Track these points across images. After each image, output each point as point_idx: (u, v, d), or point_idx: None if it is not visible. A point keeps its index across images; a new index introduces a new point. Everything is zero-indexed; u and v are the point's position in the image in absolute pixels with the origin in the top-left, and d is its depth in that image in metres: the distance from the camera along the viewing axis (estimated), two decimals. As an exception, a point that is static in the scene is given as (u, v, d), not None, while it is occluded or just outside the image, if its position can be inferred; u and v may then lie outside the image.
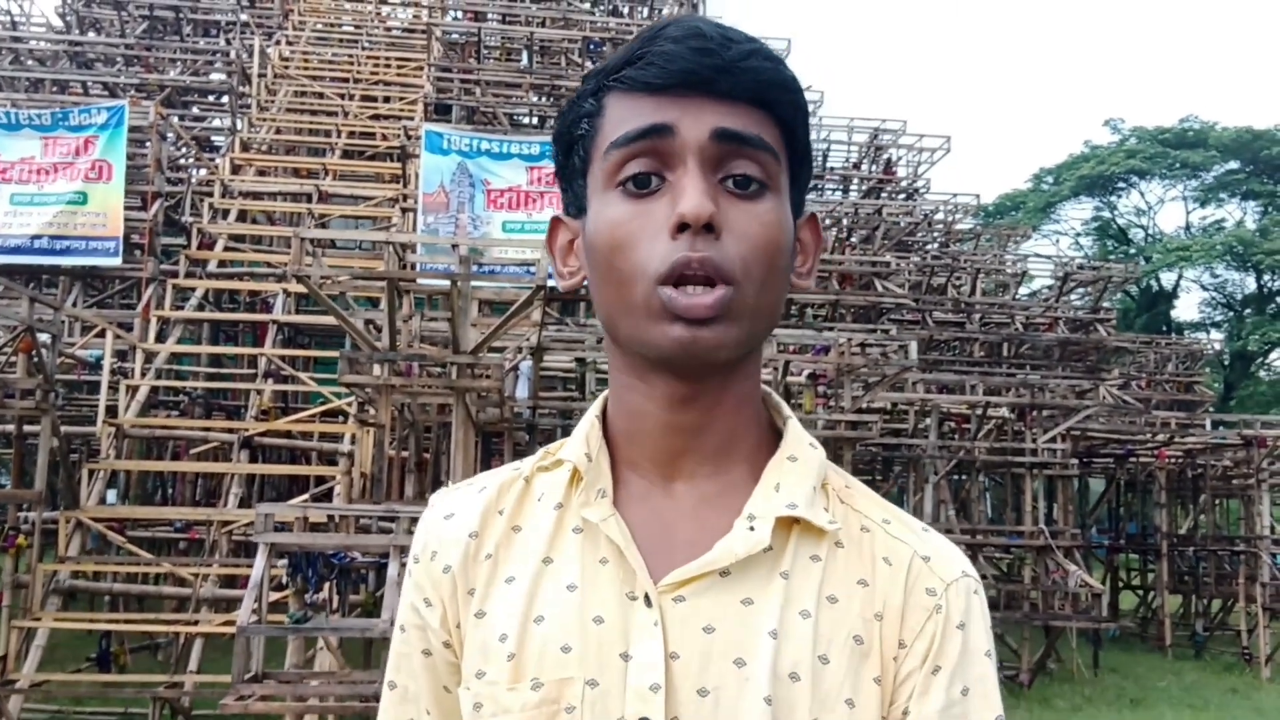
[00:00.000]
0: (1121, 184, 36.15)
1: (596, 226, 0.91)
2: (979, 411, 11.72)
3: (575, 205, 0.96)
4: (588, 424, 0.97)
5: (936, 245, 18.74)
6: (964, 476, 12.98)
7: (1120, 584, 16.22)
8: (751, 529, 0.89)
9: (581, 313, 12.71)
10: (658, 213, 0.87)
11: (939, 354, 15.78)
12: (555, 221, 0.99)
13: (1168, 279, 34.73)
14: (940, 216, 18.90)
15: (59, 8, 16.31)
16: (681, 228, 0.85)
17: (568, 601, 0.90)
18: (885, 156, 18.75)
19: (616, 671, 0.87)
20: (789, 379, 9.76)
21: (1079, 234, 38.09)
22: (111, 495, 10.19)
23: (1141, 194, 36.84)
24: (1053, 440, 12.15)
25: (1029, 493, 11.94)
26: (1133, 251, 35.90)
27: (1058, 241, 36.71)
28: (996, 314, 16.33)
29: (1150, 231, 37.33)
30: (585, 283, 0.96)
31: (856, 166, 19.13)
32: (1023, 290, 20.22)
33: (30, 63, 15.08)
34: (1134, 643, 14.66)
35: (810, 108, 15.54)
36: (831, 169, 18.77)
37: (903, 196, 18.50)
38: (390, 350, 6.80)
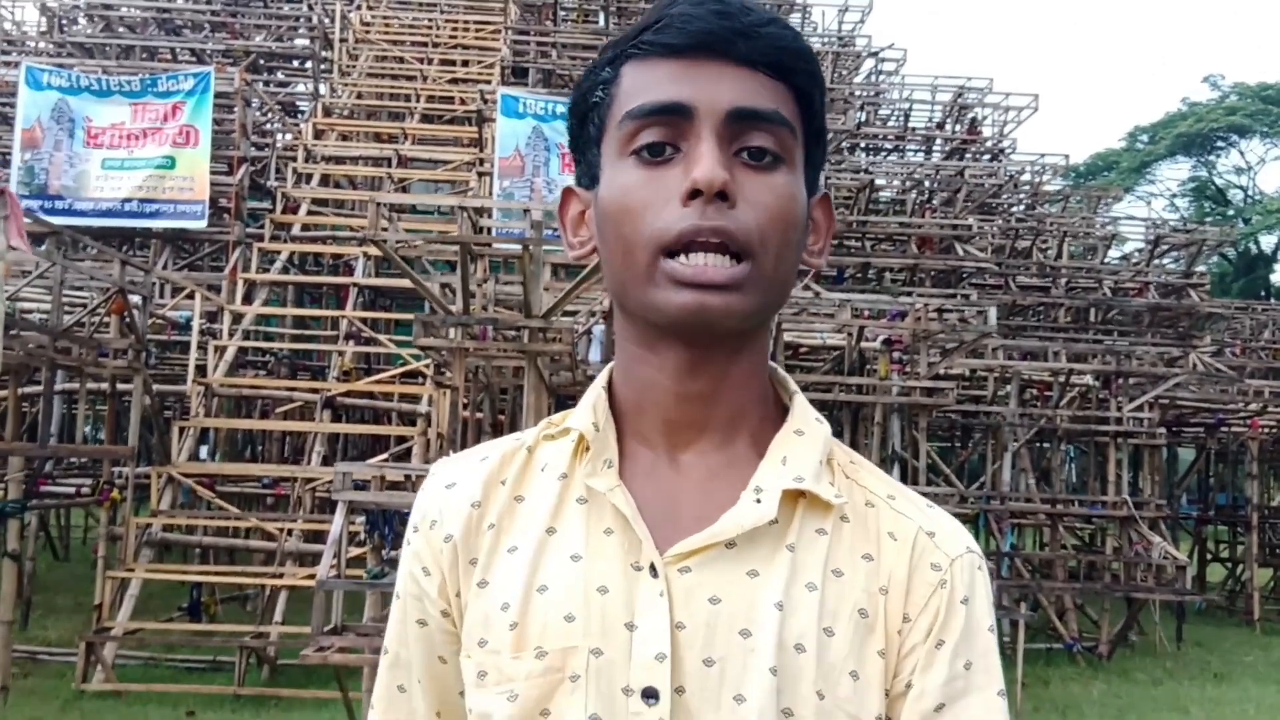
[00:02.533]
0: (1221, 143, 34.85)
1: (608, 193, 0.90)
2: (1061, 379, 11.46)
3: (588, 176, 0.95)
4: (594, 394, 0.97)
5: (1022, 207, 18.28)
6: (1046, 445, 12.73)
7: (1209, 556, 15.80)
8: (758, 501, 0.90)
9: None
10: (670, 181, 0.87)
11: (1023, 319, 15.43)
12: (567, 192, 0.99)
13: (1267, 242, 33.48)
14: (1027, 178, 18.40)
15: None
16: (693, 195, 0.85)
17: (571, 571, 0.90)
18: (970, 116, 18.29)
19: (621, 641, 0.87)
20: (863, 344, 9.66)
21: (1175, 195, 36.87)
22: (204, 451, 10.55)
23: (1242, 153, 35.47)
24: (1139, 409, 11.83)
25: (1113, 462, 11.67)
26: (1231, 213, 34.62)
27: (1150, 203, 35.53)
28: (1083, 279, 15.87)
29: (1250, 192, 35.93)
30: (594, 253, 0.95)
31: (940, 127, 18.70)
32: (1113, 254, 19.61)
33: (121, 30, 15.47)
34: (1221, 616, 14.29)
35: (893, 66, 15.13)
36: (914, 129, 18.37)
37: (988, 157, 18.03)
38: (464, 314, 6.89)
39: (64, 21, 15.50)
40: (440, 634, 0.97)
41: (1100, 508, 11.41)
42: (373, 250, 10.41)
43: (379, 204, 6.50)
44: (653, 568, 0.88)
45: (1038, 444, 12.90)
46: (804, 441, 0.94)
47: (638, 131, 0.88)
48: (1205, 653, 11.40)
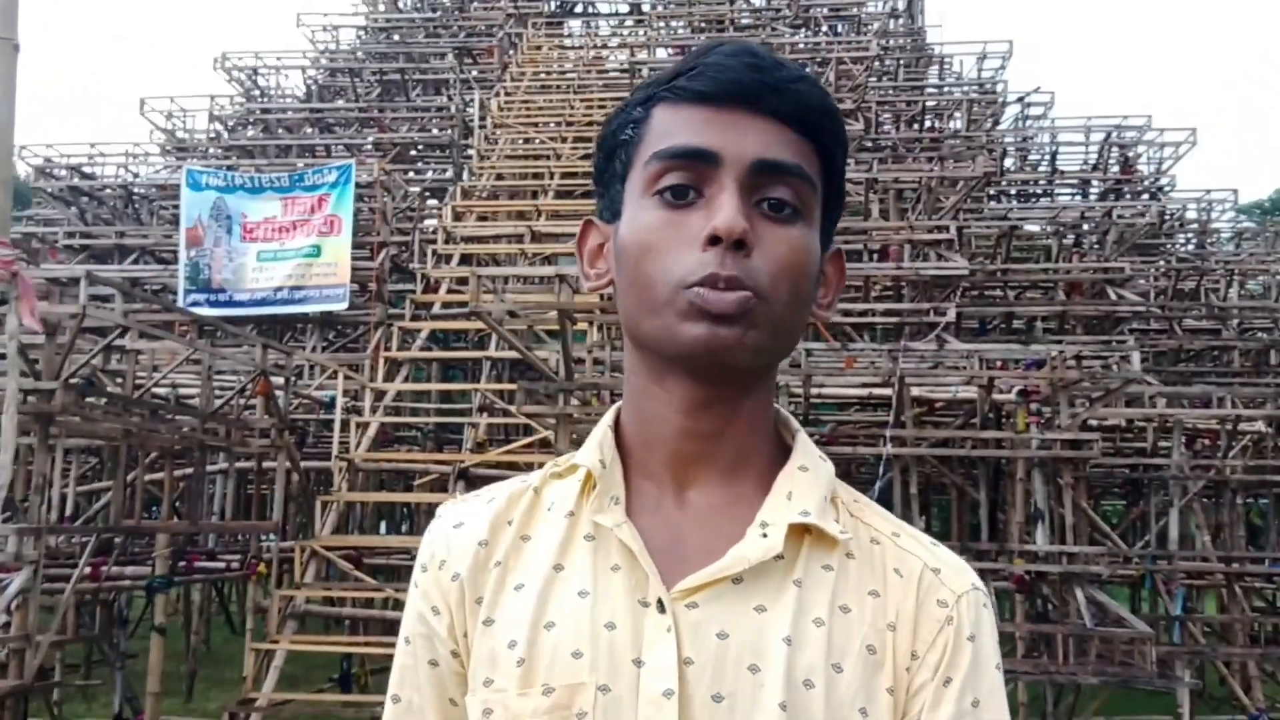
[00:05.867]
0: None
1: (629, 230, 0.93)
2: (1229, 426, 10.62)
3: (610, 210, 0.99)
4: (601, 432, 0.99)
5: (1191, 246, 17.24)
6: (1217, 499, 11.78)
7: None
8: (764, 535, 0.91)
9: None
10: (692, 224, 0.90)
11: (1197, 365, 14.46)
12: (587, 224, 1.03)
13: None
14: (1192, 215, 17.39)
15: (306, 79, 17.90)
16: (713, 241, 0.88)
17: (579, 607, 0.91)
18: (1124, 155, 17.45)
19: (629, 677, 0.88)
20: (999, 397, 9.21)
21: (1377, 227, 34.08)
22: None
23: None
24: (1325, 457, 10.82)
25: (1297, 516, 10.69)
26: None
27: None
28: (1259, 319, 14.78)
29: None
30: (611, 284, 0.98)
31: (1095, 168, 17.91)
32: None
33: (280, 131, 16.58)
34: None
35: (1040, 110, 14.65)
36: (1062, 173, 17.66)
37: (1145, 196, 17.14)
38: (566, 380, 6.95)
39: (232, 125, 16.75)
40: (451, 675, 0.97)
41: (1281, 566, 10.45)
42: (510, 324, 10.67)
43: (479, 276, 6.66)
44: (660, 603, 0.89)
45: (1213, 499, 11.95)
46: (809, 478, 0.95)
47: (663, 173, 0.91)
48: None
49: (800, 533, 0.92)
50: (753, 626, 0.88)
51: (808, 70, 0.93)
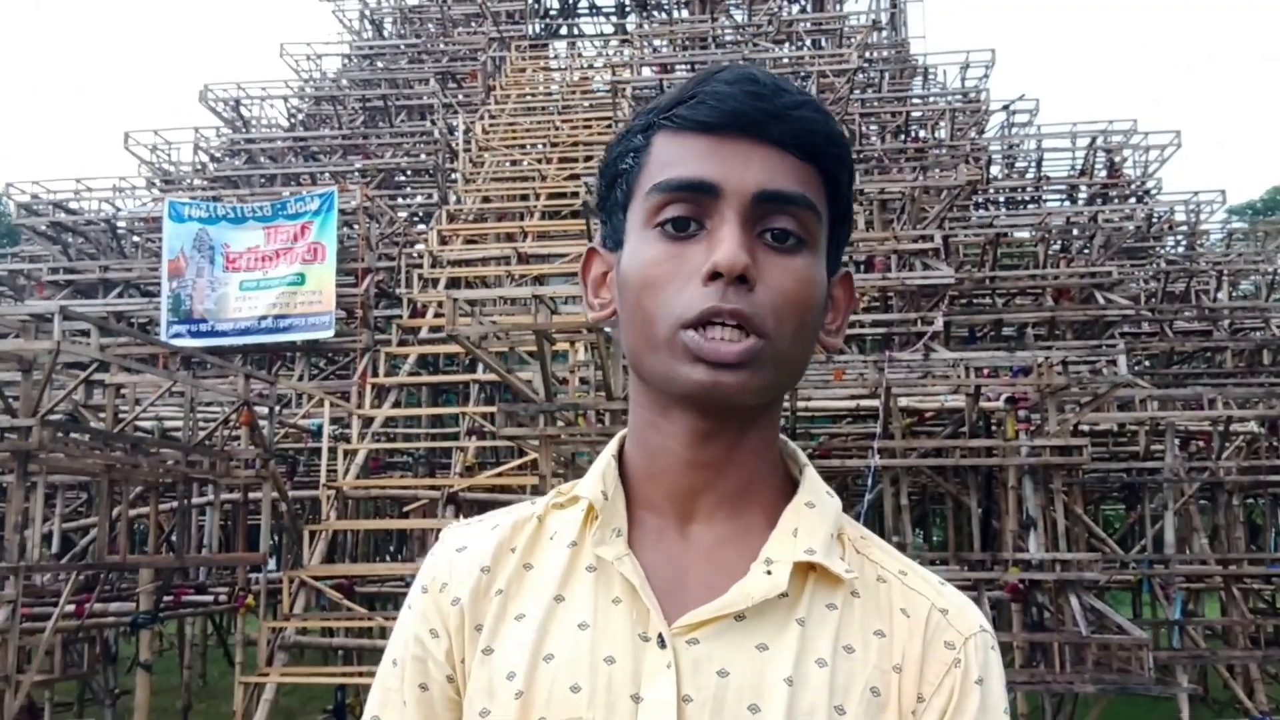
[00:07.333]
0: None
1: (631, 263, 0.92)
2: (1220, 428, 10.55)
3: (613, 239, 0.97)
4: (604, 462, 0.97)
5: (1182, 249, 17.21)
6: (1214, 501, 11.70)
7: None
8: (769, 573, 0.89)
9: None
10: (693, 257, 0.88)
11: (1191, 366, 14.40)
12: (591, 253, 1.01)
13: None
14: (1181, 218, 17.36)
15: (289, 108, 17.91)
16: (714, 276, 0.86)
17: (579, 640, 0.90)
18: (1111, 159, 17.45)
19: (626, 713, 0.86)
20: (988, 404, 9.15)
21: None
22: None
23: None
24: (1320, 455, 10.73)
25: (1293, 515, 10.60)
26: None
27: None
28: (1250, 319, 14.74)
29: None
30: (615, 314, 0.97)
31: (1081, 173, 17.91)
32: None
33: (263, 160, 16.57)
34: None
35: (1026, 117, 14.62)
36: (1048, 178, 17.66)
37: (1133, 200, 17.12)
38: (547, 401, 6.89)
39: (216, 155, 16.73)
40: (441, 700, 0.95)
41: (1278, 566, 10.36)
42: (494, 346, 10.62)
43: (454, 300, 6.61)
44: (660, 638, 0.88)
45: (1210, 500, 11.87)
46: (815, 514, 0.93)
47: (664, 205, 0.90)
48: None
49: (805, 570, 0.91)
50: (754, 665, 0.87)
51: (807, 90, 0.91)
